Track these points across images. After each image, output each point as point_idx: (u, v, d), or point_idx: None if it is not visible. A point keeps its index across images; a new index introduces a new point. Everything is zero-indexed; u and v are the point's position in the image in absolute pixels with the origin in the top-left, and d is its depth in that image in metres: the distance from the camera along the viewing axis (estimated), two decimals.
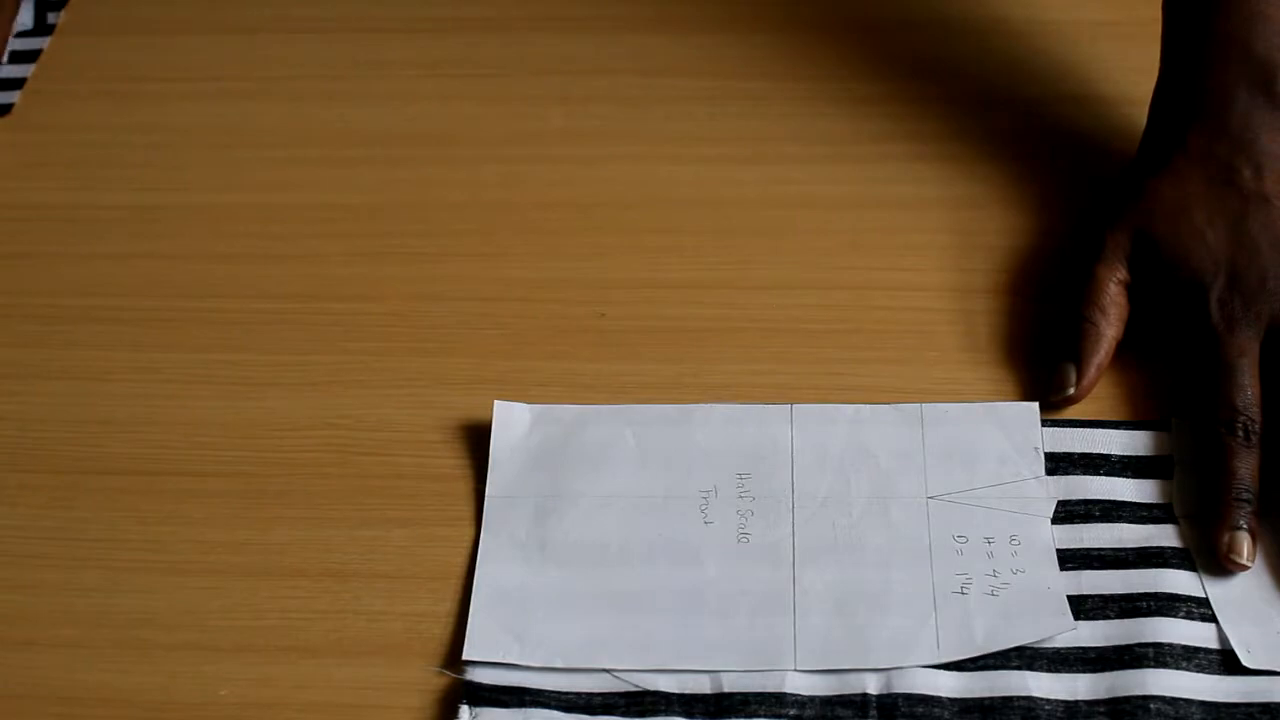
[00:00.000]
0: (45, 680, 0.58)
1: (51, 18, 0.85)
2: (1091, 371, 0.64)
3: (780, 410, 0.64)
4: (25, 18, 0.85)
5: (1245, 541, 0.59)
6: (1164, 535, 0.60)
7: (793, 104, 0.78)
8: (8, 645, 0.59)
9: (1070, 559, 0.60)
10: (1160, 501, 0.61)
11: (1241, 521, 0.59)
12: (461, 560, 0.61)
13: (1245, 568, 0.59)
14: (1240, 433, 0.61)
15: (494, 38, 0.79)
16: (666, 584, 0.59)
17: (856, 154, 0.75)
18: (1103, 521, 0.61)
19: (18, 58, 0.83)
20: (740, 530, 0.61)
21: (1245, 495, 0.60)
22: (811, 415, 0.64)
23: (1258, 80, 0.65)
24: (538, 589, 0.60)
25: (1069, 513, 0.61)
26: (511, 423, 0.64)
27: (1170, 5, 0.69)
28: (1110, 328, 0.65)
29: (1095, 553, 0.60)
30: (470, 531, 0.62)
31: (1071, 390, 0.64)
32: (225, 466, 0.65)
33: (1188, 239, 0.65)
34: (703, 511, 0.61)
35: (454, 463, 0.64)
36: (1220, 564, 0.59)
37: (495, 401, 0.65)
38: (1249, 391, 0.61)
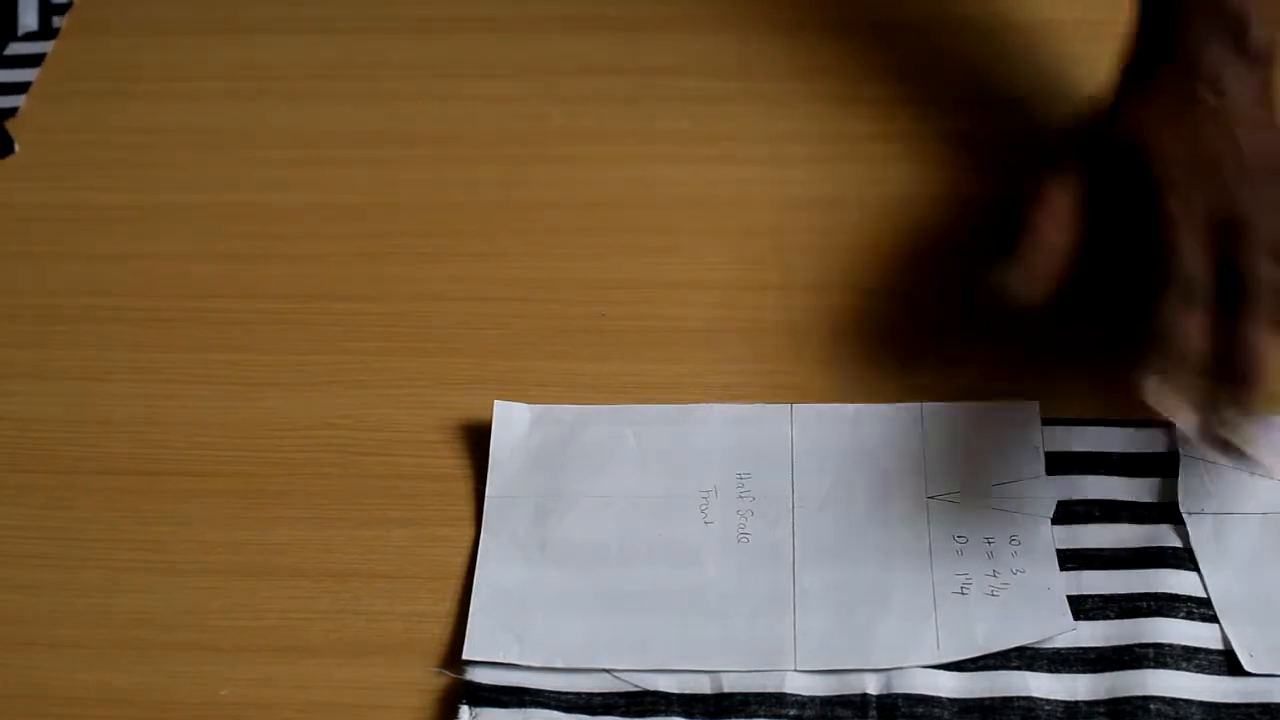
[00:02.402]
0: (45, 680, 0.58)
1: (56, 21, 0.85)
2: (1033, 269, 0.62)
3: (780, 410, 0.64)
4: (30, 21, 0.85)
5: (1167, 394, 0.58)
6: (1164, 535, 0.60)
7: (793, 104, 0.78)
8: (8, 645, 0.59)
9: (1070, 559, 0.59)
10: (1161, 501, 0.61)
11: (1164, 370, 0.58)
12: (461, 560, 0.61)
13: (1163, 419, 0.59)
14: (1187, 297, 0.60)
15: (494, 38, 0.79)
16: (666, 584, 0.59)
17: (857, 154, 0.75)
18: (1103, 521, 0.61)
19: (22, 61, 0.83)
20: (740, 530, 0.61)
21: (1186, 354, 0.59)
22: (811, 415, 0.64)
23: (1228, 32, 0.65)
24: (538, 589, 0.60)
25: (1069, 513, 0.61)
26: (511, 423, 0.64)
27: None
28: (1057, 234, 0.63)
29: (1095, 553, 0.60)
30: (470, 531, 0.62)
31: (1012, 282, 0.62)
32: (225, 466, 0.65)
33: (1147, 135, 0.64)
34: (703, 511, 0.61)
35: (454, 463, 0.64)
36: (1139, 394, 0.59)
37: (495, 401, 0.65)
38: (1201, 263, 0.60)
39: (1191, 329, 0.59)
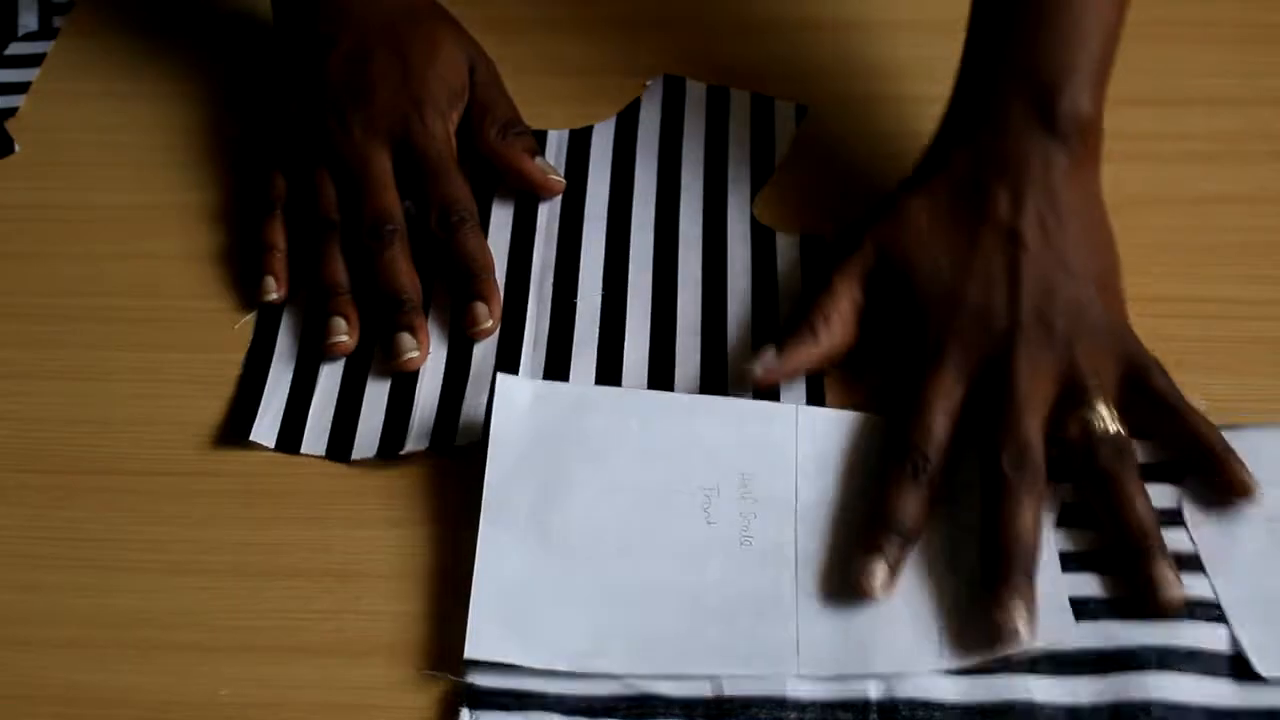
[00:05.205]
0: (45, 680, 0.58)
1: (56, 21, 0.85)
2: (787, 366, 0.63)
3: (785, 410, 0.64)
4: (30, 21, 0.85)
5: (881, 571, 0.58)
6: (1169, 537, 0.60)
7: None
8: (8, 645, 0.59)
9: (1072, 560, 0.59)
10: (1165, 505, 0.61)
11: (887, 551, 0.58)
12: (461, 560, 0.61)
13: (873, 598, 0.58)
14: (910, 469, 0.59)
15: (494, 38, 0.79)
16: (668, 584, 0.59)
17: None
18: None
19: (22, 61, 0.83)
20: (743, 532, 0.60)
21: (899, 528, 0.58)
22: (815, 418, 0.63)
23: (1035, 107, 0.63)
24: (539, 582, 0.59)
25: (1070, 514, 0.61)
26: (513, 399, 0.63)
27: (971, 22, 0.67)
28: (827, 338, 0.64)
29: (1097, 554, 0.59)
30: (470, 531, 0.61)
31: (759, 372, 0.63)
32: (225, 466, 0.64)
33: (923, 260, 0.63)
34: (705, 511, 0.61)
35: (454, 462, 0.64)
36: (857, 586, 0.58)
37: (498, 374, 0.64)
38: (934, 432, 0.60)
39: (903, 506, 0.59)
